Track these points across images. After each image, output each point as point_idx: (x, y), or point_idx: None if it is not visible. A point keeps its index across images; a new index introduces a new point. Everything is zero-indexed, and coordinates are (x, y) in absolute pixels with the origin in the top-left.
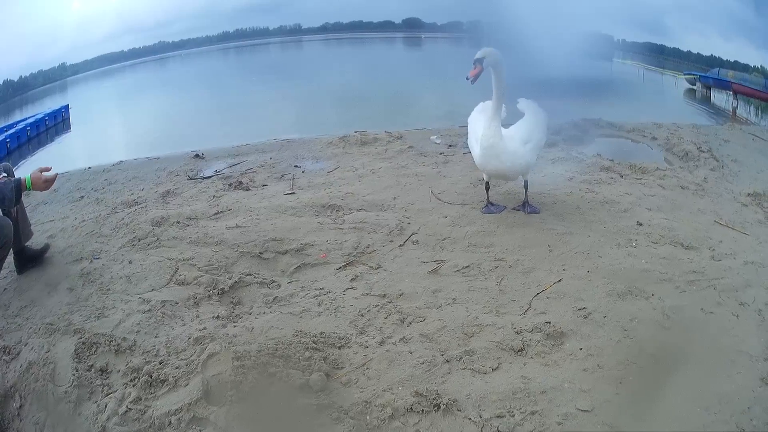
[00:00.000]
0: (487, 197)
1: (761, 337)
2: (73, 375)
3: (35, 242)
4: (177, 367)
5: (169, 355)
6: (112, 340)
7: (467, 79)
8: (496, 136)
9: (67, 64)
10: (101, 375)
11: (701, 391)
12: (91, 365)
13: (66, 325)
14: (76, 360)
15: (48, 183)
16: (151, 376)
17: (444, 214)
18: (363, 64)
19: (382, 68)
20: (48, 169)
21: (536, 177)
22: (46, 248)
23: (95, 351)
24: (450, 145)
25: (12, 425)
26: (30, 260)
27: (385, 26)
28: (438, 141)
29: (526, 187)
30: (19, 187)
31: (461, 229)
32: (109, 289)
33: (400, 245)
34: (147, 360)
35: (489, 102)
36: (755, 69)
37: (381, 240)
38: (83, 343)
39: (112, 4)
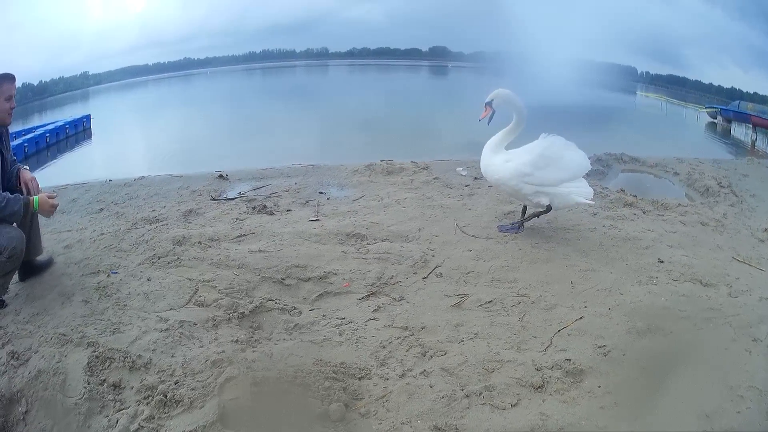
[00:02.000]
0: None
1: None
2: (85, 388)
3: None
4: (193, 389)
5: (185, 376)
6: (127, 357)
7: (480, 120)
8: (486, 149)
9: (90, 73)
10: (114, 390)
11: (712, 426)
12: (104, 380)
13: (80, 337)
14: (88, 373)
15: (53, 208)
16: (165, 396)
17: (468, 247)
18: (389, 91)
19: (408, 96)
20: (54, 196)
21: (561, 213)
22: (50, 262)
23: (109, 366)
24: (476, 177)
25: (16, 429)
26: (33, 271)
27: (412, 54)
28: (464, 173)
29: (523, 211)
30: (27, 205)
31: (485, 263)
32: (126, 305)
33: (424, 277)
34: (162, 379)
35: (545, 135)
36: None
37: (405, 271)
38: (97, 357)
39: (135, 15)
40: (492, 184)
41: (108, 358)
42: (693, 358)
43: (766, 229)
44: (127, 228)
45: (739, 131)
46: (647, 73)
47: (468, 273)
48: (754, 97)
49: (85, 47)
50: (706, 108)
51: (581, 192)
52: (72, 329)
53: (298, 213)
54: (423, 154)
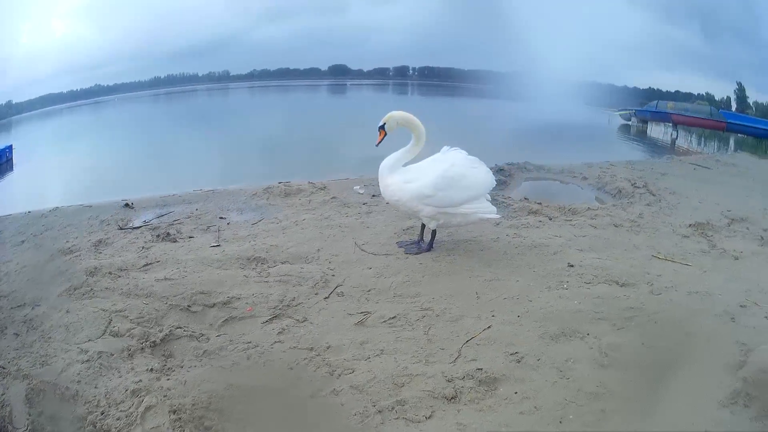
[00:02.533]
0: (420, 236)
1: (714, 363)
2: (27, 419)
3: None
4: (118, 419)
5: (109, 407)
6: (56, 389)
7: (377, 146)
8: (384, 168)
9: (13, 102)
10: (51, 421)
11: (652, 423)
12: (41, 411)
13: (16, 370)
14: (27, 405)
15: None
16: (95, 426)
17: (368, 265)
18: (288, 112)
19: (306, 116)
20: None
21: (464, 225)
22: None
23: (43, 398)
24: (373, 195)
25: None
26: None
27: (312, 73)
28: (361, 191)
29: (422, 227)
30: None
31: (386, 279)
32: (50, 337)
33: (326, 297)
34: (89, 410)
35: (447, 148)
36: (699, 97)
37: (306, 293)
38: (32, 389)
39: (55, 41)
40: (390, 204)
41: (41, 390)
42: (616, 358)
43: (690, 225)
44: (45, 260)
45: (657, 131)
46: (558, 79)
47: (369, 290)
48: (676, 96)
49: (11, 75)
50: (618, 111)
51: (484, 210)
52: (9, 362)
53: (200, 239)
54: (320, 174)
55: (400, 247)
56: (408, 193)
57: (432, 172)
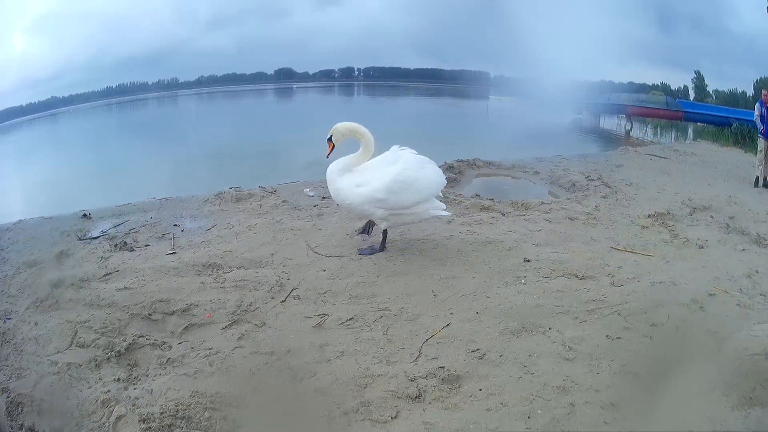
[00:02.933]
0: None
1: (682, 355)
2: (10, 431)
3: None
4: (91, 429)
5: (82, 417)
6: (33, 401)
7: (327, 158)
8: (333, 172)
9: None
10: None
11: (620, 413)
12: (22, 424)
13: None
14: (9, 417)
15: None
16: None
17: (323, 267)
18: (235, 118)
19: (254, 121)
20: None
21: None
22: None
23: (22, 410)
24: (323, 197)
25: None
26: None
27: (258, 78)
28: (311, 194)
29: (367, 223)
30: None
31: (341, 281)
32: (22, 350)
33: (282, 301)
34: (65, 422)
35: (397, 148)
36: (654, 87)
37: (263, 297)
38: (11, 402)
39: (16, 55)
40: (341, 206)
41: (19, 402)
42: (580, 351)
43: (650, 215)
44: (12, 273)
45: (610, 123)
46: (502, 75)
47: (325, 293)
48: (629, 87)
49: None
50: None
51: (434, 208)
52: None
53: (156, 247)
54: (270, 179)
55: (360, 254)
56: (360, 197)
57: (385, 176)
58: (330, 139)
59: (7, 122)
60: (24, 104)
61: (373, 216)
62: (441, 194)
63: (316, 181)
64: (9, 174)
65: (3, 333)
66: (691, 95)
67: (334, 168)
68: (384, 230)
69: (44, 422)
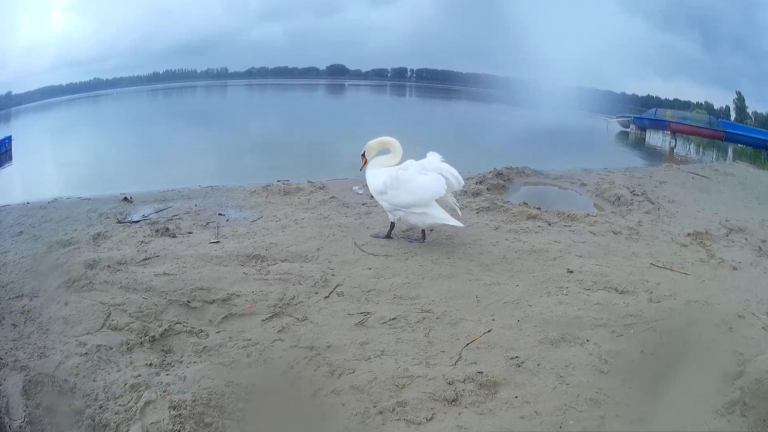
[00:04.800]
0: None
1: (712, 373)
2: (24, 411)
3: None
4: (117, 413)
5: (107, 400)
6: (54, 381)
7: (361, 170)
8: (368, 165)
9: (13, 93)
10: (49, 414)
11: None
12: (39, 403)
13: (13, 361)
14: (25, 397)
15: None
16: (93, 420)
17: (368, 265)
18: (286, 111)
19: (305, 115)
20: None
21: (462, 228)
22: None
23: (41, 390)
24: (372, 196)
25: None
26: None
27: (310, 72)
28: (360, 191)
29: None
30: None
31: (386, 280)
32: (48, 329)
33: (326, 297)
34: (88, 403)
35: (432, 153)
36: (697, 106)
37: (306, 291)
38: (30, 381)
39: (55, 34)
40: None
41: (39, 382)
42: (615, 366)
43: (689, 234)
44: (44, 251)
45: (655, 139)
46: (553, 85)
47: (369, 291)
48: (674, 104)
49: (10, 66)
50: (617, 118)
51: (436, 216)
52: (6, 353)
53: (199, 235)
54: (319, 174)
55: (372, 236)
56: (371, 187)
57: (387, 173)
58: (363, 155)
59: (46, 100)
60: (64, 84)
61: (383, 206)
62: (457, 202)
63: (365, 179)
64: (46, 152)
65: (28, 311)
66: (732, 116)
67: (370, 162)
68: (391, 223)
69: (64, 403)
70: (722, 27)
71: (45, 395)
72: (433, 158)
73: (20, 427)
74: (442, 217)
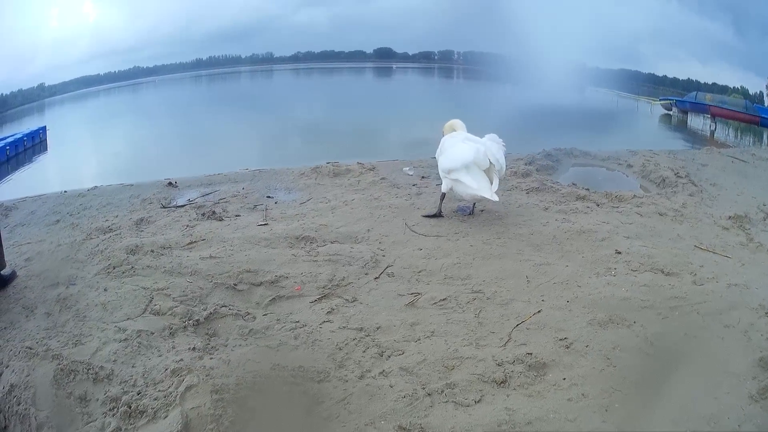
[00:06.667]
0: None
1: (747, 357)
2: (53, 401)
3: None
4: (155, 399)
5: (146, 386)
6: (90, 368)
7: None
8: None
9: (46, 84)
10: (80, 403)
11: (689, 414)
12: (71, 392)
13: (44, 351)
14: (55, 386)
15: None
16: (130, 407)
17: (419, 246)
18: (334, 94)
19: (353, 98)
20: None
21: (512, 208)
22: (13, 276)
23: (74, 378)
24: (423, 177)
25: None
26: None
27: (356, 56)
28: (410, 172)
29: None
30: None
31: (437, 261)
32: (85, 316)
33: (376, 278)
34: (125, 390)
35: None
36: (735, 90)
37: (356, 272)
38: (62, 370)
39: (88, 25)
40: None
41: (72, 370)
42: (660, 348)
43: (730, 217)
44: (82, 239)
45: (697, 122)
46: (597, 68)
47: (420, 272)
48: (713, 88)
49: (41, 58)
50: (660, 100)
51: (467, 183)
52: (37, 342)
53: (246, 218)
54: (369, 155)
55: (423, 216)
56: (444, 168)
57: (452, 147)
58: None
59: (81, 90)
60: (101, 73)
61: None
62: (497, 176)
63: (416, 160)
64: (83, 142)
65: (64, 299)
66: (766, 101)
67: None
68: (442, 194)
69: (99, 390)
70: (752, 13)
71: (78, 384)
72: (491, 137)
73: (47, 417)
74: (474, 187)
